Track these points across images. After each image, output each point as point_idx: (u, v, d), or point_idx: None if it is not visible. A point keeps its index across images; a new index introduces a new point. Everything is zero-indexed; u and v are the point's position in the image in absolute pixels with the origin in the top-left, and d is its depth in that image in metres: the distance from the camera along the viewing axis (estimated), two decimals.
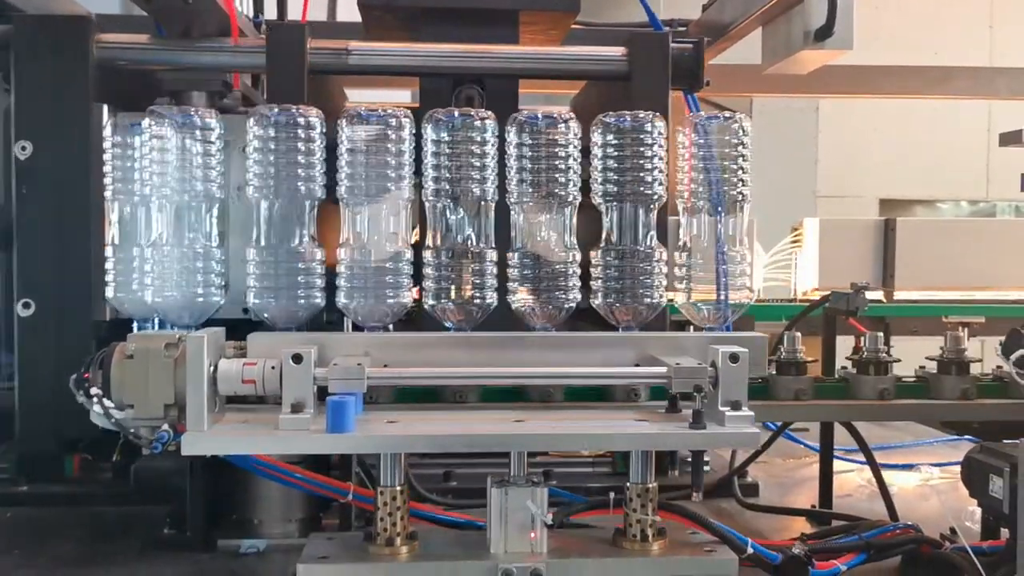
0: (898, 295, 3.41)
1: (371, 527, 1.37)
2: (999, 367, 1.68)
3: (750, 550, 1.36)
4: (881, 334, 1.65)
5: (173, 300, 1.52)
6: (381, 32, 2.15)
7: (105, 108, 1.88)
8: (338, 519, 1.74)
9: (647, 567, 1.32)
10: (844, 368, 1.73)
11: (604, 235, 1.52)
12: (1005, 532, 1.50)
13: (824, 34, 2.31)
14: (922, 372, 1.69)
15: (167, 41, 1.96)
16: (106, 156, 1.64)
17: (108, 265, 1.62)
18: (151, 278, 1.53)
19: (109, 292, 1.63)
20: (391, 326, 1.46)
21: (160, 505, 1.80)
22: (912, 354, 1.99)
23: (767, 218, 3.70)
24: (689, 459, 2.10)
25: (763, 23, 2.59)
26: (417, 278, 1.49)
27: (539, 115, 1.51)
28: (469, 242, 1.46)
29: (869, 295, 1.93)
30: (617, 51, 1.98)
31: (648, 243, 1.50)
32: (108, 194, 1.63)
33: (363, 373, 1.27)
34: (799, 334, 1.67)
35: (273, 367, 1.28)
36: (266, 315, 1.48)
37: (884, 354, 1.65)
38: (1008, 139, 3.00)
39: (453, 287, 1.44)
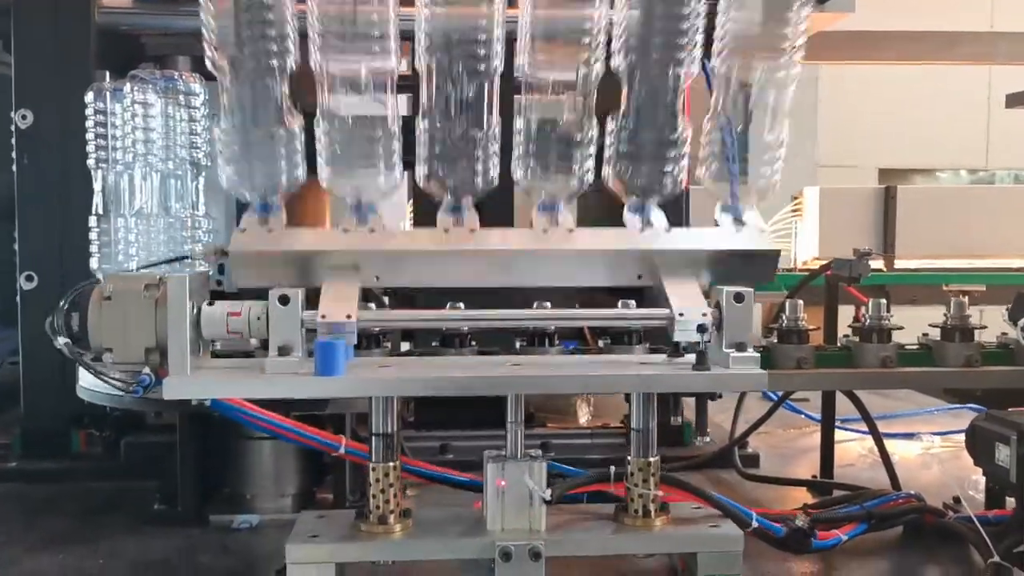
0: (898, 264, 3.40)
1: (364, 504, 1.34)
2: (1004, 334, 1.64)
3: (755, 524, 1.33)
4: (884, 301, 1.61)
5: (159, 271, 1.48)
6: None
7: (108, 75, 1.83)
8: (332, 493, 1.71)
9: (650, 543, 1.29)
10: (846, 336, 1.69)
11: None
12: (1010, 501, 1.47)
13: None
14: (925, 339, 1.65)
15: (165, 4, 1.90)
16: (88, 123, 1.59)
17: (92, 235, 1.58)
18: (136, 248, 1.49)
19: (94, 263, 1.59)
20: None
21: (151, 481, 1.77)
22: (913, 323, 1.95)
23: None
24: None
25: None
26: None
27: None
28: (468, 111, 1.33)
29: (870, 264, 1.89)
30: None
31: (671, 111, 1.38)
32: (91, 162, 1.59)
33: (354, 327, 1.22)
34: (801, 302, 1.62)
35: (259, 317, 1.23)
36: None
37: (886, 321, 1.61)
38: (1015, 100, 2.95)
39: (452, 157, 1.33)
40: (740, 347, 1.26)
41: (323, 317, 1.21)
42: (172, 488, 1.67)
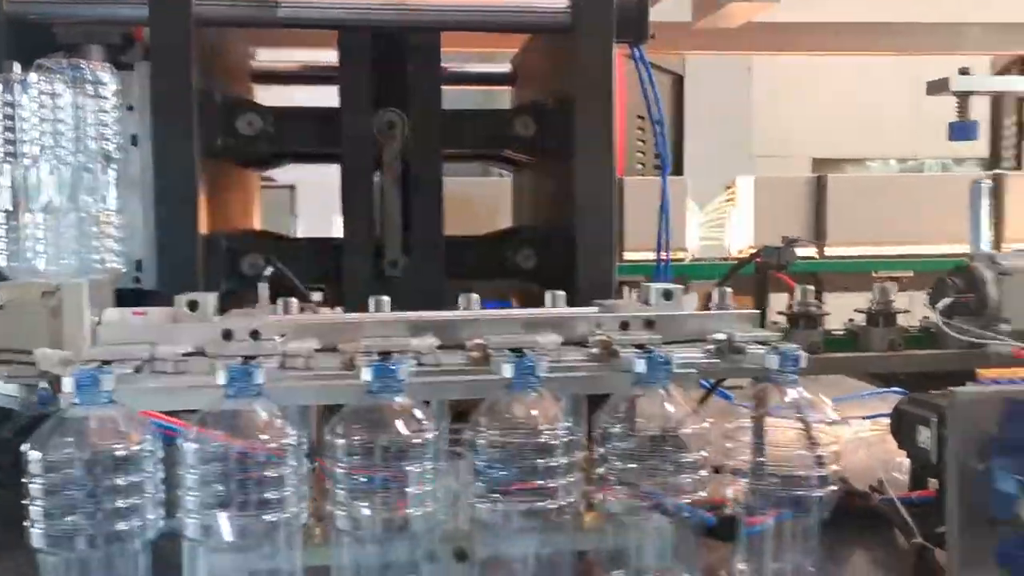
0: (829, 251, 3.44)
1: None
2: (926, 318, 1.67)
3: (685, 513, 1.32)
4: (812, 288, 1.63)
5: (69, 268, 1.42)
6: None
7: (18, 66, 1.76)
8: None
9: (580, 538, 1.27)
10: (775, 323, 1.71)
11: None
12: (933, 483, 1.49)
13: None
14: (851, 325, 1.67)
15: None
16: None
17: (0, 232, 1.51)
18: (43, 245, 1.44)
19: (1, 261, 1.53)
20: None
21: None
22: (844, 311, 1.97)
23: (703, 178, 3.70)
24: None
25: None
26: None
27: None
28: None
29: (801, 252, 1.91)
30: (560, 2, 1.89)
31: None
32: None
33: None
34: (729, 289, 1.63)
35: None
36: None
37: (814, 308, 1.62)
38: (935, 87, 3.01)
39: None
40: None
41: None
42: None
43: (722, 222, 3.63)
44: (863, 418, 2.30)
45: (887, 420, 2.23)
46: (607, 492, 1.32)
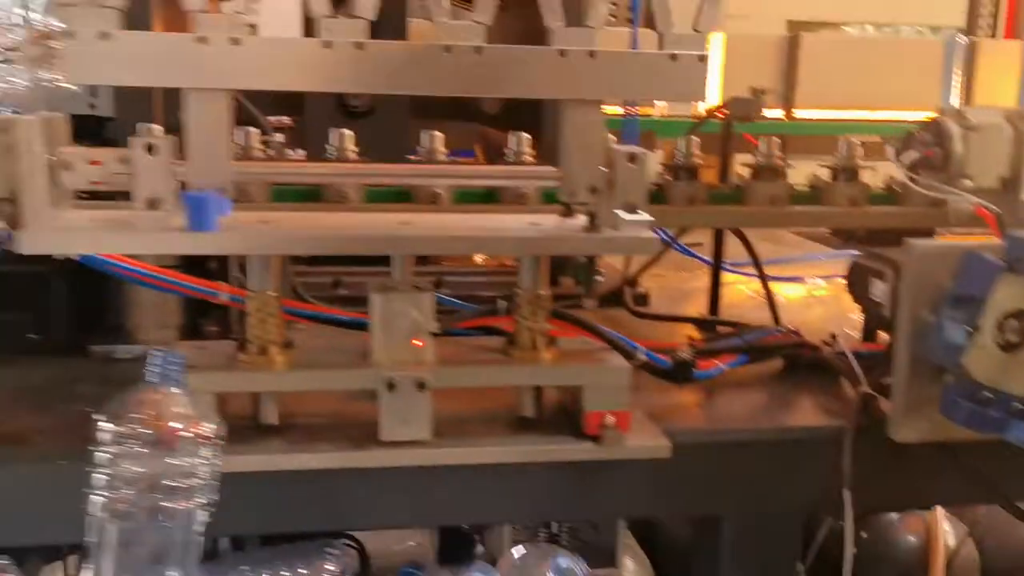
0: (799, 113, 3.42)
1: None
2: (891, 177, 1.67)
3: (642, 356, 1.35)
4: (777, 139, 1.61)
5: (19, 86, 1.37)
6: None
7: None
8: (217, 325, 1.67)
9: (537, 375, 1.29)
10: (740, 176, 1.70)
11: None
12: (884, 337, 1.53)
13: None
14: (814, 180, 1.67)
15: None
16: None
17: None
18: None
19: None
20: None
21: (18, 312, 1.70)
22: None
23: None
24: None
25: None
26: None
27: None
28: None
29: (769, 113, 1.89)
30: None
31: None
32: None
33: (227, 169, 1.17)
34: (696, 139, 1.62)
35: (123, 160, 1.16)
36: None
37: (778, 161, 1.61)
38: None
39: None
40: (630, 208, 1.23)
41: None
42: (45, 318, 1.61)
43: None
44: (819, 278, 2.35)
45: (842, 280, 2.29)
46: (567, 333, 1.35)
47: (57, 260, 1.56)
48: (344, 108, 1.79)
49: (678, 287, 2.30)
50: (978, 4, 4.57)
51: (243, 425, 1.25)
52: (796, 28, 6.30)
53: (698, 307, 2.05)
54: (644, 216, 1.24)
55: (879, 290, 1.41)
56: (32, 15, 1.38)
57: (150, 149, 1.14)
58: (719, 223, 1.70)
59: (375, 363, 1.23)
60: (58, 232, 1.14)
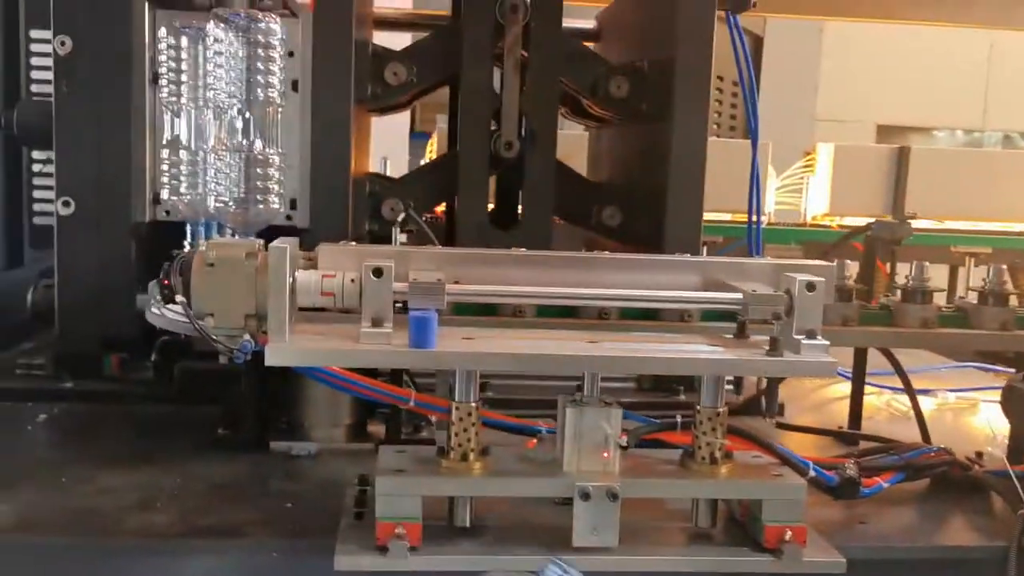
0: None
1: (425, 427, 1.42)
2: None
3: (812, 473, 1.40)
4: (927, 263, 1.69)
5: (235, 206, 1.52)
6: None
7: (147, 3, 1.85)
8: (384, 426, 1.78)
9: (719, 489, 1.35)
10: (887, 296, 1.77)
11: None
12: None
13: None
14: (961, 302, 1.73)
15: None
16: (161, 58, 1.60)
17: (164, 167, 1.60)
18: (213, 184, 1.53)
19: (164, 194, 1.62)
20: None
21: (204, 406, 1.83)
22: None
23: (763, 140, 3.72)
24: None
25: None
26: None
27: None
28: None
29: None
30: None
31: None
32: (164, 95, 1.60)
33: (442, 290, 1.28)
34: (848, 261, 1.70)
35: (352, 280, 1.29)
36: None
37: (928, 283, 1.69)
38: None
39: None
40: (810, 334, 1.31)
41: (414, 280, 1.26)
42: (234, 414, 1.73)
43: (799, 187, 3.66)
44: (948, 391, 2.38)
45: (969, 394, 2.32)
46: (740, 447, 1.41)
47: (251, 361, 1.70)
48: (494, 155, 1.95)
49: (808, 396, 2.35)
50: None
51: (437, 526, 1.34)
52: (885, 132, 6.41)
53: (829, 418, 2.10)
54: (822, 340, 1.32)
55: None
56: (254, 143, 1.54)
57: (377, 273, 1.26)
58: (873, 343, 1.77)
59: (567, 472, 1.31)
60: (299, 347, 1.25)
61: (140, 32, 1.82)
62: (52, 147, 1.83)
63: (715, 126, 4.41)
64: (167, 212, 1.81)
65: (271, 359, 1.23)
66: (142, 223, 1.87)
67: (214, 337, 1.31)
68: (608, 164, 2.60)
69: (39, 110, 1.88)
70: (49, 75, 1.82)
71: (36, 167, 2.51)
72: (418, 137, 4.52)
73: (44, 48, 2.50)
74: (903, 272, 1.76)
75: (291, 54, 1.67)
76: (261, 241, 1.34)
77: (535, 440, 1.49)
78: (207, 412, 1.80)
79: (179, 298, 1.31)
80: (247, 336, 1.29)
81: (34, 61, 2.39)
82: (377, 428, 1.81)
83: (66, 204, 1.85)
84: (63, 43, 1.81)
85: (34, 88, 2.41)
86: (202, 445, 1.71)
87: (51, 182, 2.49)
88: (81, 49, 1.81)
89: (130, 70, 1.81)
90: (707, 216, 3.27)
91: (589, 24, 2.63)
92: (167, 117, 1.62)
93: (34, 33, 2.39)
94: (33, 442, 1.77)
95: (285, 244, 1.24)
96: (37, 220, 2.52)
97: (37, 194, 2.53)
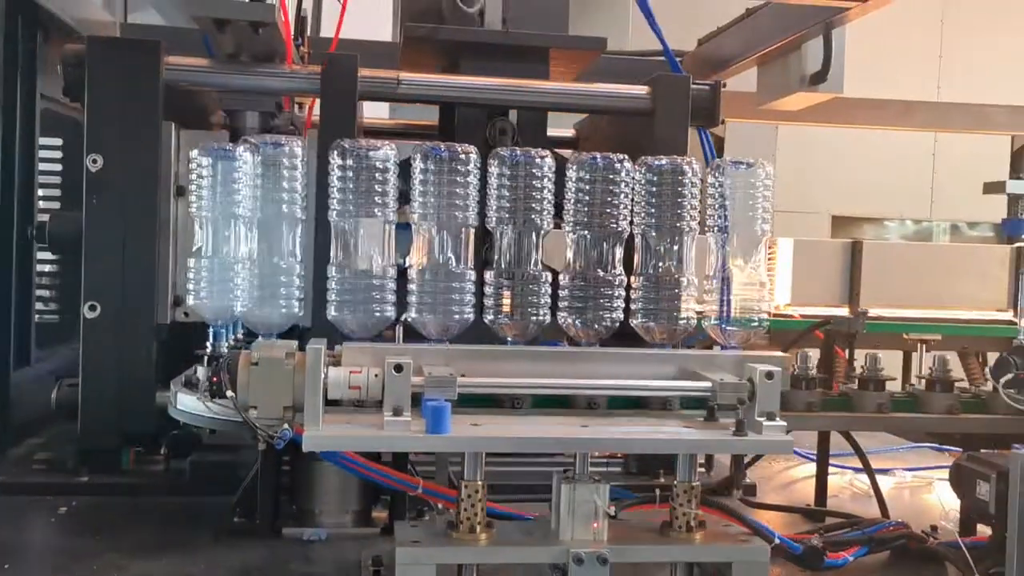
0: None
1: (427, 513, 1.63)
2: (975, 386, 1.94)
3: (776, 541, 1.57)
4: (879, 354, 1.89)
5: (260, 310, 1.68)
6: (418, 60, 2.33)
7: (173, 125, 2.03)
8: (386, 512, 1.91)
9: (694, 553, 1.52)
10: (844, 383, 1.96)
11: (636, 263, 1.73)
12: (984, 530, 1.74)
13: (819, 79, 2.55)
14: (912, 389, 1.93)
15: (229, 65, 2.10)
16: (192, 176, 1.76)
17: (191, 274, 1.75)
18: (240, 290, 1.69)
19: (190, 299, 1.77)
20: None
21: (218, 495, 1.95)
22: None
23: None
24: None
25: (759, 63, 2.83)
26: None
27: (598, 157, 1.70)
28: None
29: (836, 312, 2.19)
30: (641, 89, 2.19)
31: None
32: (194, 210, 1.76)
33: (454, 383, 1.45)
34: (810, 352, 1.90)
35: (376, 375, 1.46)
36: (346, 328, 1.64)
37: (881, 372, 1.88)
38: (991, 188, 3.28)
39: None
40: (770, 416, 1.50)
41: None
42: (249, 502, 1.86)
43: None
44: (905, 470, 2.56)
45: (924, 472, 2.50)
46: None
47: (267, 451, 1.84)
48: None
49: (776, 476, 2.51)
50: (1016, 205, 4.91)
51: None
52: (840, 223, 6.72)
53: (799, 495, 2.27)
54: (780, 423, 1.51)
55: (983, 490, 1.64)
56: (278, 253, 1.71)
57: (398, 369, 1.43)
58: (834, 427, 1.96)
59: (562, 540, 1.48)
60: (331, 434, 1.42)
61: (166, 150, 2.00)
62: (81, 255, 1.98)
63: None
64: (186, 314, 1.96)
65: (308, 445, 1.39)
66: (164, 325, 2.02)
67: (258, 426, 1.46)
68: None
69: (70, 221, 2.04)
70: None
71: (41, 267, 2.67)
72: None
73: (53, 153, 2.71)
74: (861, 357, 1.96)
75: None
76: (295, 343, 1.51)
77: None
78: (217, 502, 1.92)
79: (229, 393, 1.46)
80: (286, 425, 1.45)
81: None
82: (380, 514, 1.94)
83: (92, 308, 1.99)
84: (95, 160, 1.98)
85: (41, 192, 2.59)
86: (219, 532, 1.84)
87: (55, 282, 2.66)
88: (110, 166, 1.98)
89: (156, 185, 1.99)
90: None
91: (568, 132, 2.87)
92: (199, 229, 1.76)
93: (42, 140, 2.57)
94: (60, 533, 1.89)
95: (320, 346, 1.41)
96: (40, 319, 2.66)
97: (40, 292, 2.68)
